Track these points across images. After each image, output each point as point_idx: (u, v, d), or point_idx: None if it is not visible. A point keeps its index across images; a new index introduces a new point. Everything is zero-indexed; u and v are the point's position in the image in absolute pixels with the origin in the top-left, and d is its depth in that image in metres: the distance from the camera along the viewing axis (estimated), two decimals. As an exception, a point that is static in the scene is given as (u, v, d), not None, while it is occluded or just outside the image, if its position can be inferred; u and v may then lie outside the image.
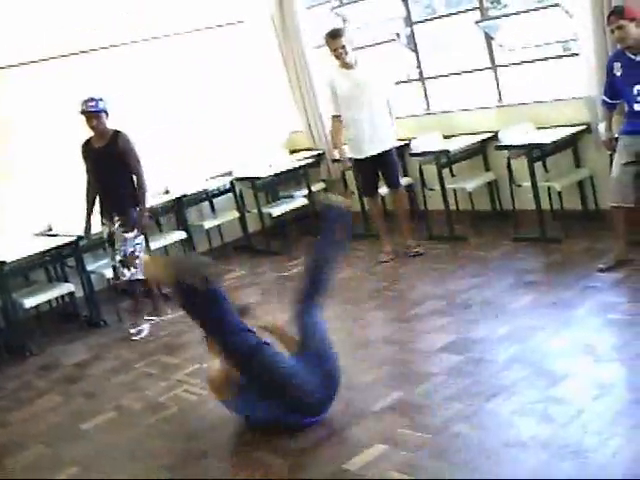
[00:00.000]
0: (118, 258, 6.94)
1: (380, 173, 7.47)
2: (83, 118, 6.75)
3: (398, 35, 9.26)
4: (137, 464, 4.62)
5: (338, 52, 7.11)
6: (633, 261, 5.94)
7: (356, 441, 4.22)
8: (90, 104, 6.71)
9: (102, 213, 6.99)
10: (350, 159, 7.57)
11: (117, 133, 6.85)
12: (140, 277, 7.00)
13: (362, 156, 7.37)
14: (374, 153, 7.31)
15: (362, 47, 8.51)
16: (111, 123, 6.92)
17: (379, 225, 7.75)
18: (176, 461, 4.51)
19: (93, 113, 6.73)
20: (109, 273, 7.47)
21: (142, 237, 7.08)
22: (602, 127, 6.39)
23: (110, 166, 6.80)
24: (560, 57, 7.71)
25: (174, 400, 5.38)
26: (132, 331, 7.03)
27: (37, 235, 7.77)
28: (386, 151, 7.33)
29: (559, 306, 5.50)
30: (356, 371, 5.12)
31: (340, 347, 4.88)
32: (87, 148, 6.91)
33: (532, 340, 5.06)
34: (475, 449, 3.92)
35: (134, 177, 6.85)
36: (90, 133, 6.86)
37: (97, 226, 7.09)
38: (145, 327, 7.06)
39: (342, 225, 5.04)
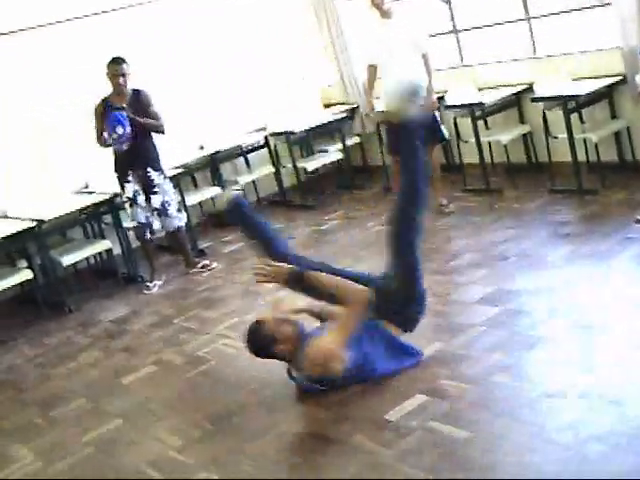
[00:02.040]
0: (175, 207, 7.17)
1: None
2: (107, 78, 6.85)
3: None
4: (178, 416, 4.69)
5: (376, 1, 7.03)
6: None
7: (397, 392, 4.24)
8: (123, 66, 6.80)
9: (125, 171, 7.02)
10: (381, 112, 7.44)
11: (138, 91, 6.95)
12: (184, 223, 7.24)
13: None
14: None
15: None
16: (148, 81, 6.97)
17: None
18: (216, 413, 4.56)
19: (123, 74, 6.82)
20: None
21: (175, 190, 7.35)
22: (639, 78, 6.31)
23: (134, 125, 6.82)
24: (592, 7, 7.57)
25: (213, 354, 5.43)
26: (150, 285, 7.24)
27: (75, 193, 7.82)
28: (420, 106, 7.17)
29: (596, 257, 5.48)
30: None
31: None
32: (106, 106, 6.90)
33: (570, 292, 5.05)
34: (515, 399, 3.94)
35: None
36: (105, 93, 6.94)
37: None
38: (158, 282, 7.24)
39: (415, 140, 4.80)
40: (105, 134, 6.83)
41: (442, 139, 7.43)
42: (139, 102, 6.92)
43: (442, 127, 7.42)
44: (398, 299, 4.57)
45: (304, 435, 4.13)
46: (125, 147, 6.77)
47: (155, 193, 7.02)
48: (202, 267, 7.29)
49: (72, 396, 5.33)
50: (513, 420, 3.75)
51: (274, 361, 4.56)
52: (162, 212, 7.09)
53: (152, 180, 7.00)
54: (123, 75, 6.82)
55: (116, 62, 6.81)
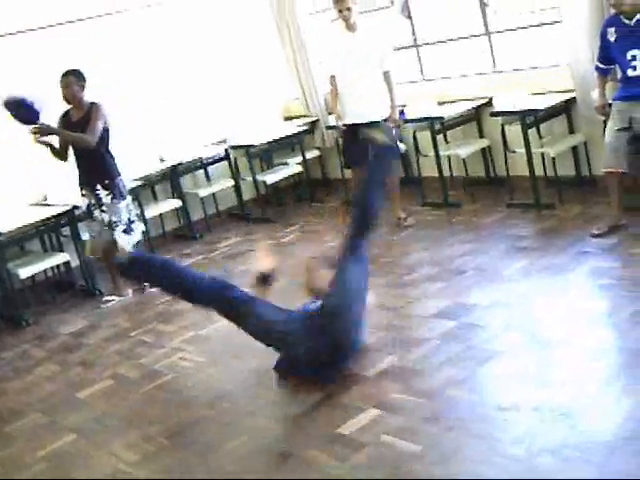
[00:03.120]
0: (121, 228, 6.99)
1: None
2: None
3: (392, 2, 9.25)
4: (134, 431, 4.65)
5: (344, 14, 7.05)
6: (626, 226, 5.97)
7: (350, 406, 4.25)
8: (69, 78, 6.74)
9: (81, 184, 6.98)
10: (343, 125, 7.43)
11: (92, 104, 6.84)
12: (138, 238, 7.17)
13: (350, 123, 7.24)
14: (363, 121, 7.09)
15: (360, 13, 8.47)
16: (105, 93, 6.92)
17: None
18: (171, 428, 4.53)
19: (66, 86, 6.74)
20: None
21: (133, 203, 7.24)
22: (595, 93, 6.38)
23: None
24: (548, 24, 7.65)
25: (170, 367, 5.41)
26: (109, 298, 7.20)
27: (32, 205, 7.76)
28: (374, 122, 7.07)
29: (553, 271, 5.53)
30: (351, 337, 5.16)
31: None
32: (65, 120, 6.88)
33: (525, 305, 5.09)
34: (468, 413, 3.96)
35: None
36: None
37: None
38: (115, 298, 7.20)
39: (390, 163, 5.16)
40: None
41: (397, 156, 7.44)
42: (89, 114, 6.79)
43: (398, 142, 7.45)
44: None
45: (258, 449, 4.10)
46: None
47: (103, 211, 6.96)
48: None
49: (28, 410, 5.28)
50: (466, 434, 3.76)
51: (229, 374, 4.58)
52: (110, 230, 7.01)
53: (100, 198, 6.92)
54: (66, 87, 6.72)
55: (66, 74, 6.73)
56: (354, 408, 4.21)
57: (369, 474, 3.61)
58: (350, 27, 7.12)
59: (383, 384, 4.43)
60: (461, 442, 3.70)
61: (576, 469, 3.28)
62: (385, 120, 7.13)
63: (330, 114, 7.78)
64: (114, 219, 6.96)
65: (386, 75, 7.16)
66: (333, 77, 7.32)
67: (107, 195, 6.92)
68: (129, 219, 7.06)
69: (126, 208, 7.06)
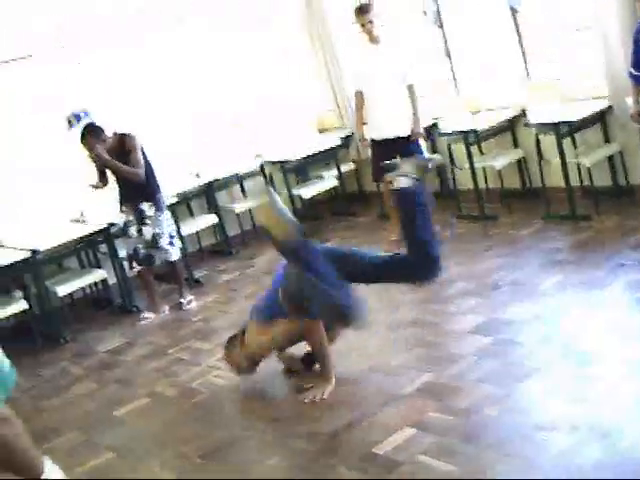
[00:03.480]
0: (165, 240, 7.11)
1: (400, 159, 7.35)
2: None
3: (425, 12, 9.21)
4: (169, 450, 4.67)
5: (366, 27, 7.07)
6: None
7: (386, 425, 4.23)
8: (85, 140, 6.83)
9: (122, 201, 7.08)
10: (370, 140, 7.44)
11: (123, 135, 6.93)
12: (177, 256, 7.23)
13: (378, 137, 7.28)
14: (389, 136, 7.17)
15: (387, 25, 8.46)
16: (141, 111, 6.99)
17: (392, 213, 7.63)
18: (206, 447, 4.54)
19: (86, 147, 6.85)
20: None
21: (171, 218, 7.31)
22: (630, 100, 6.32)
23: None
24: (580, 31, 7.59)
25: (206, 385, 5.42)
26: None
27: (70, 222, 7.82)
28: (402, 137, 7.16)
29: (589, 285, 5.47)
30: (386, 354, 5.16)
31: (370, 330, 4.98)
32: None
33: (562, 320, 5.04)
34: (505, 432, 3.92)
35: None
36: None
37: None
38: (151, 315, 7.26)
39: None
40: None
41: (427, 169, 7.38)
42: (123, 147, 6.90)
43: (431, 154, 7.43)
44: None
45: (291, 470, 4.10)
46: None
47: (146, 225, 7.04)
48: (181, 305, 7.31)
49: (65, 428, 5.32)
50: (501, 453, 3.72)
51: (264, 394, 4.59)
52: (153, 244, 7.10)
53: (143, 212, 7.02)
54: (90, 149, 6.82)
55: (81, 139, 6.82)
56: (389, 427, 4.19)
57: (404, 495, 3.59)
58: (373, 40, 7.13)
59: (419, 402, 4.40)
60: (497, 462, 3.66)
61: (613, 491, 3.24)
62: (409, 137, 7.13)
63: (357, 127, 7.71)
64: (157, 231, 7.07)
65: (410, 88, 7.16)
66: (360, 93, 7.34)
67: (150, 207, 7.01)
68: (170, 233, 7.16)
69: (167, 222, 7.16)
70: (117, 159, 6.86)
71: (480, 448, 3.82)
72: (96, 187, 7.08)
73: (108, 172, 7.06)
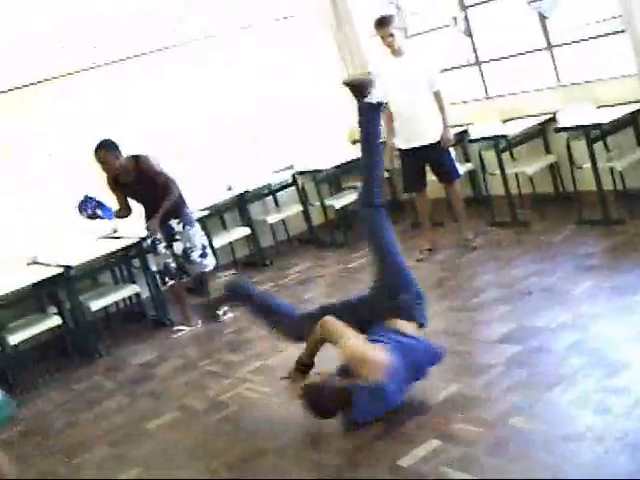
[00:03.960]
0: (197, 253, 7.15)
1: (430, 167, 7.35)
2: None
3: (455, 20, 9.14)
4: (197, 463, 4.68)
5: (387, 40, 7.04)
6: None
7: (411, 437, 4.19)
8: (101, 152, 6.82)
9: (147, 219, 7.08)
10: (399, 150, 7.38)
11: (136, 157, 6.94)
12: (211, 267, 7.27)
13: (406, 147, 7.23)
14: (418, 145, 7.13)
15: (418, 34, 8.44)
16: (174, 124, 7.02)
17: (424, 222, 7.62)
18: (235, 460, 4.53)
19: (101, 160, 6.86)
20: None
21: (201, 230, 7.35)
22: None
23: (147, 189, 6.94)
24: (607, 35, 7.47)
25: (236, 399, 5.42)
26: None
27: (102, 238, 7.87)
28: (432, 144, 7.12)
29: (621, 291, 5.37)
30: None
31: None
32: (116, 183, 7.03)
33: (592, 328, 4.95)
34: (530, 443, 3.86)
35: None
36: None
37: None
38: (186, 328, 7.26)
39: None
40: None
41: (457, 176, 7.36)
42: (142, 170, 6.90)
43: (456, 163, 7.37)
44: (386, 294, 4.82)
45: (319, 482, 4.09)
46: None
47: (176, 240, 7.07)
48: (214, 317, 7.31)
49: (96, 442, 5.37)
50: (528, 466, 3.67)
51: (293, 405, 4.62)
52: (185, 258, 7.12)
53: (172, 228, 7.06)
54: (105, 163, 6.82)
55: (95, 151, 6.82)
56: (414, 439, 4.15)
57: (428, 508, 3.55)
58: (395, 52, 7.10)
59: (445, 413, 4.36)
60: (522, 474, 3.61)
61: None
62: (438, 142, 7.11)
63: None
64: (188, 245, 7.10)
65: (437, 95, 7.11)
66: (386, 104, 7.27)
67: (179, 223, 7.03)
68: (203, 245, 7.18)
69: (198, 234, 7.17)
70: (135, 181, 6.91)
71: (505, 460, 3.77)
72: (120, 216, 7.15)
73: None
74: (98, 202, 6.84)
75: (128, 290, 7.61)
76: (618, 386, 4.16)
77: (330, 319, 4.63)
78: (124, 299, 7.96)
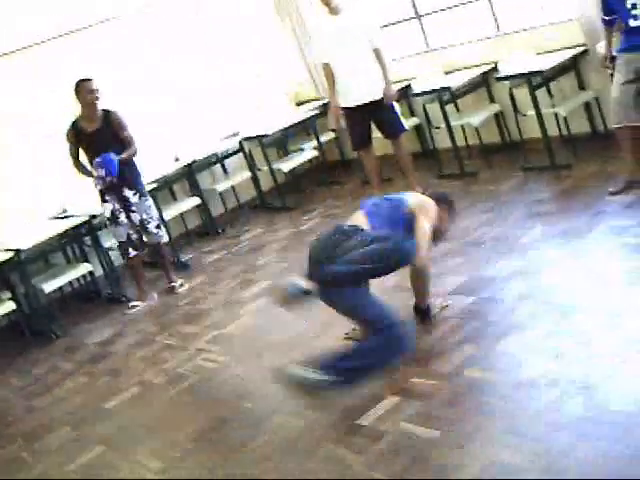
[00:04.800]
0: (153, 224, 7.09)
1: (375, 123, 7.33)
2: (75, 98, 6.74)
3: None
4: (159, 438, 4.67)
5: None
6: (643, 181, 5.84)
7: (369, 395, 4.21)
8: (93, 82, 6.71)
9: (103, 191, 6.95)
10: (343, 109, 7.33)
11: (108, 112, 6.85)
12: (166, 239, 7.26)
13: (350, 105, 7.20)
14: (362, 102, 7.10)
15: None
16: (117, 98, 6.95)
17: (373, 181, 7.60)
18: (195, 431, 4.53)
19: (97, 89, 6.74)
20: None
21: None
22: (601, 46, 6.24)
23: (108, 146, 6.78)
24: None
25: (194, 370, 5.41)
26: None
27: (52, 219, 7.78)
28: (375, 101, 7.09)
29: (570, 235, 5.41)
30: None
31: None
32: (78, 131, 6.86)
33: (543, 274, 4.99)
34: (485, 393, 3.91)
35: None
36: (73, 116, 6.86)
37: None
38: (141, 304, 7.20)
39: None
40: (86, 163, 6.85)
41: (402, 130, 7.33)
42: (110, 124, 6.83)
43: (401, 118, 7.34)
44: None
45: (280, 448, 4.07)
46: (101, 187, 6.81)
47: (133, 211, 7.00)
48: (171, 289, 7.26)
49: (57, 425, 5.32)
50: (483, 415, 3.71)
51: (250, 373, 4.79)
52: (142, 229, 7.06)
53: (128, 199, 6.96)
54: (92, 92, 6.70)
55: (87, 79, 6.71)
56: (373, 397, 4.17)
57: (387, 465, 3.56)
58: (333, 10, 7.04)
59: (402, 369, 4.36)
60: (479, 424, 3.64)
61: (589, 446, 3.21)
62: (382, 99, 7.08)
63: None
64: (145, 217, 7.03)
65: (377, 52, 7.06)
66: (327, 65, 7.25)
67: (135, 194, 6.96)
68: (157, 217, 7.18)
69: (153, 206, 7.17)
70: (97, 131, 6.80)
71: (463, 411, 3.81)
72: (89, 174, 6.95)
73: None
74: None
75: (81, 269, 7.52)
76: (569, 330, 4.21)
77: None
78: (78, 279, 7.87)
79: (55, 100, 7.62)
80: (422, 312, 4.83)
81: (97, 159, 6.64)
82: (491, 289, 5.02)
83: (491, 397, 3.84)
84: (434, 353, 4.45)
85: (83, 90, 6.70)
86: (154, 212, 7.16)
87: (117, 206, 6.97)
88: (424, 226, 4.55)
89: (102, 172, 6.65)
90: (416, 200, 4.74)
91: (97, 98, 6.74)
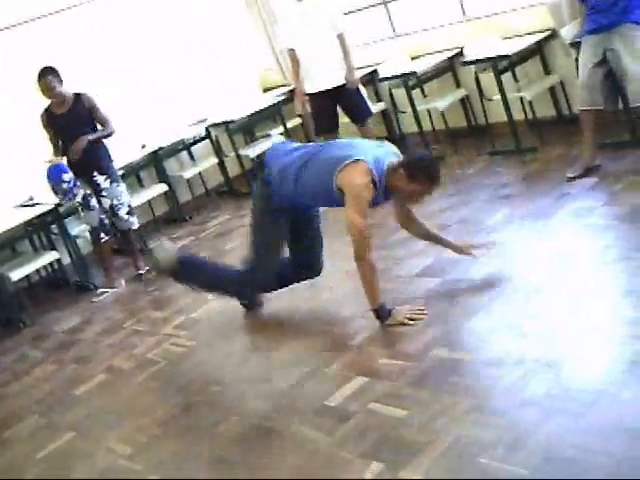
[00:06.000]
0: (124, 210, 7.09)
1: (341, 108, 7.35)
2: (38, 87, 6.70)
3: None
4: (127, 423, 4.65)
5: None
6: (600, 167, 5.91)
7: (337, 376, 4.24)
8: (49, 77, 6.66)
9: (75, 175, 6.86)
10: (308, 94, 7.38)
11: (79, 95, 6.83)
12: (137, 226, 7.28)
13: (314, 90, 7.24)
14: (326, 88, 7.14)
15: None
16: (80, 85, 6.90)
17: None
18: (163, 416, 4.53)
19: (54, 86, 6.68)
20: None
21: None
22: (564, 30, 6.29)
23: (80, 128, 6.77)
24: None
25: (163, 355, 5.39)
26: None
27: (18, 207, 7.72)
28: (341, 86, 7.14)
29: (535, 217, 5.48)
30: (336, 305, 5.19)
31: (319, 281, 5.10)
32: (49, 116, 6.84)
33: (508, 255, 5.04)
34: (453, 372, 3.93)
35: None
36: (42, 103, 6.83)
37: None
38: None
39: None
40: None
41: (368, 114, 7.36)
42: (82, 107, 6.81)
43: (367, 102, 7.36)
44: None
45: (247, 430, 4.08)
46: (71, 200, 6.86)
47: (103, 196, 6.98)
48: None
49: (26, 413, 5.28)
50: (451, 394, 3.73)
51: (218, 356, 4.79)
52: (113, 215, 7.04)
53: (98, 184, 6.94)
54: (54, 88, 6.68)
55: (43, 75, 6.65)
56: (340, 378, 4.20)
57: (356, 444, 3.59)
58: None
59: (369, 351, 4.41)
60: (447, 403, 3.67)
61: (555, 422, 3.25)
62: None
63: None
64: (115, 202, 7.01)
65: (340, 37, 7.08)
66: (292, 50, 7.27)
67: (106, 180, 6.94)
68: (129, 204, 7.16)
69: (125, 191, 7.14)
70: (69, 113, 6.78)
71: (431, 390, 3.83)
72: (52, 162, 6.90)
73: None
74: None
75: (48, 257, 7.47)
76: (533, 310, 4.26)
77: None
78: (46, 267, 7.83)
79: (21, 87, 7.53)
80: (374, 312, 4.71)
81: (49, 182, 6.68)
82: (457, 271, 5.05)
83: (458, 376, 3.87)
84: (401, 334, 4.47)
85: (41, 87, 6.69)
86: (125, 198, 7.14)
87: (88, 191, 6.95)
88: (356, 223, 4.60)
89: (65, 185, 6.66)
90: (351, 178, 4.53)
91: (55, 89, 6.69)
